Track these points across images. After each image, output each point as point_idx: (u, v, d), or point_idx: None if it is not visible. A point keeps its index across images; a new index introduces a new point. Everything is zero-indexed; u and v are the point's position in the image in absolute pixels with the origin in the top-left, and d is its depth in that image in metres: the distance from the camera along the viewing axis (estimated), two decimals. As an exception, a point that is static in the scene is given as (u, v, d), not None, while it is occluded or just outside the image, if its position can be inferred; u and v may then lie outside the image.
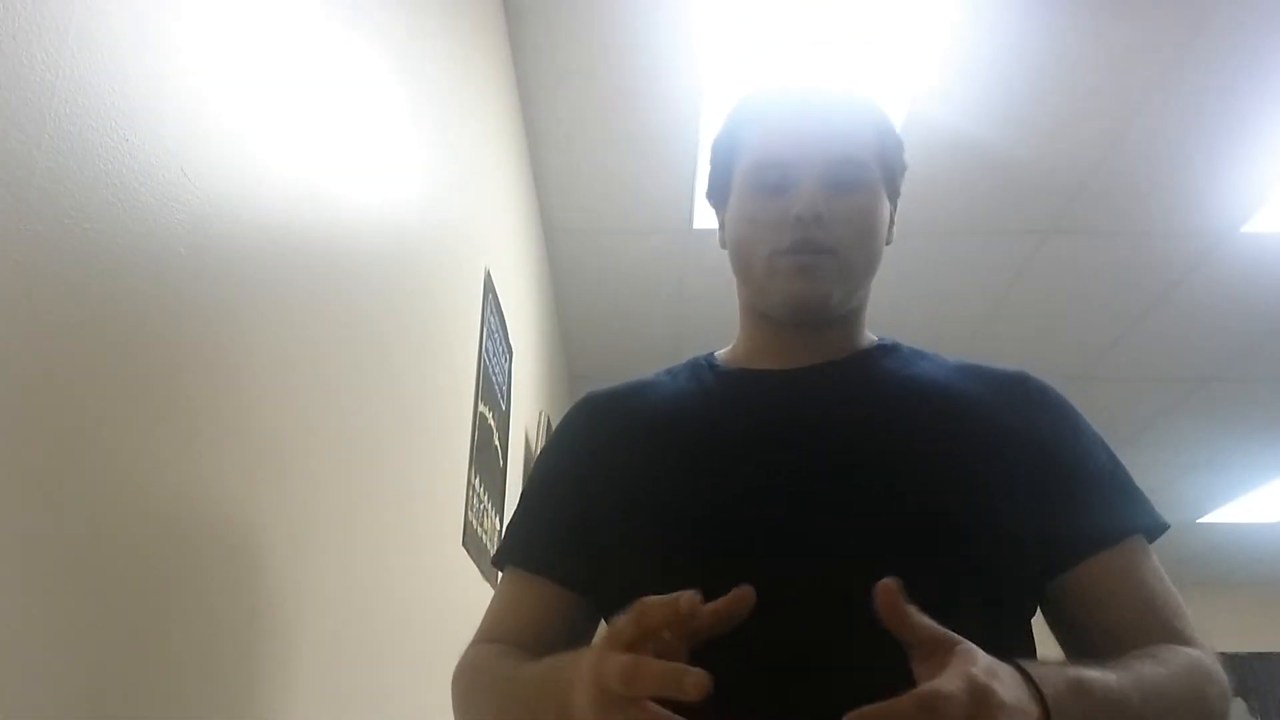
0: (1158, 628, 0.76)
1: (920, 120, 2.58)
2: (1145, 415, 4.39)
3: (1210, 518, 5.61)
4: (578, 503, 0.86)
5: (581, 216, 3.09)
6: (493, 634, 0.87)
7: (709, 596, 0.63)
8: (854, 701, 0.53)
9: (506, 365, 2.30)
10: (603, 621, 0.84)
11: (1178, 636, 0.76)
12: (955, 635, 0.58)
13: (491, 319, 2.06)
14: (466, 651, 0.86)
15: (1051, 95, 2.51)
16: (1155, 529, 0.83)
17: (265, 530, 0.87)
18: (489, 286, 2.04)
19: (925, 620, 0.58)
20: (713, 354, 0.96)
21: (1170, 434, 4.52)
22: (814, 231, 0.82)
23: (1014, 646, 0.70)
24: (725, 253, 0.93)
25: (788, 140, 0.86)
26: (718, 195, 0.95)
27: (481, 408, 1.95)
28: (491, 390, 2.08)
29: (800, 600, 0.71)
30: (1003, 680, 0.56)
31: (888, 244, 0.90)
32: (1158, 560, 0.81)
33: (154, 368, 0.68)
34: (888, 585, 0.57)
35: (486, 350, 2.00)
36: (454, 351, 1.72)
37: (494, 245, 2.18)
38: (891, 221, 0.91)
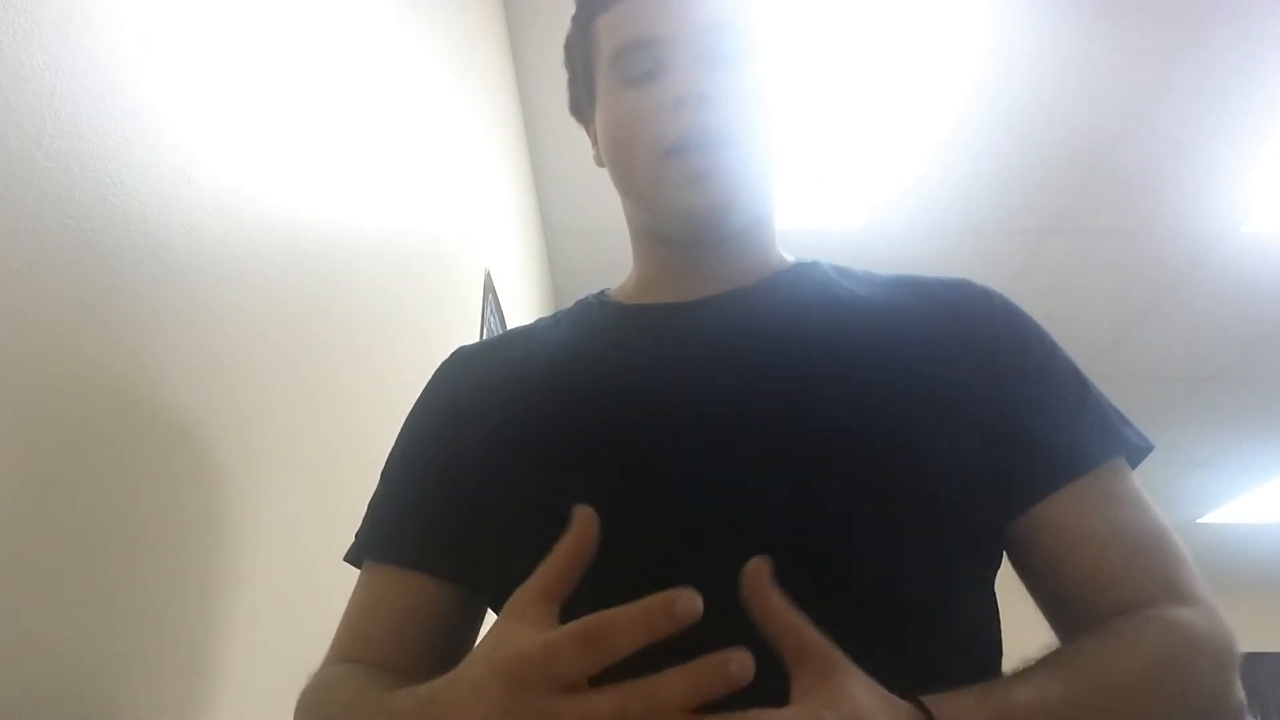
0: (1143, 577, 0.62)
1: (921, 120, 2.58)
2: (1145, 415, 4.39)
3: (1210, 518, 5.61)
4: (442, 473, 0.71)
5: (581, 216, 3.09)
6: (351, 648, 0.69)
7: (599, 560, 0.52)
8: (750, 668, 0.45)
9: (506, 365, 2.31)
10: (490, 614, 0.71)
11: (1169, 586, 0.61)
12: (833, 651, 0.47)
13: (491, 319, 2.06)
14: (314, 675, 0.68)
15: (1051, 96, 2.51)
16: (1136, 451, 0.68)
17: (261, 527, 0.87)
18: (489, 286, 2.04)
19: (795, 620, 0.47)
20: (605, 291, 0.82)
21: (1170, 434, 4.52)
22: (700, 116, 0.68)
23: (969, 610, 0.63)
24: None
25: (651, 13, 0.71)
26: (582, 106, 0.80)
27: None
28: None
29: (699, 566, 0.55)
30: None
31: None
32: (1142, 490, 0.67)
33: (154, 369, 0.68)
34: (755, 567, 0.47)
35: (486, 350, 2.00)
36: (454, 351, 1.72)
37: (494, 245, 2.18)
38: (784, 101, 0.77)
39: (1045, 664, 0.55)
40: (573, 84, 0.80)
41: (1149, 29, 2.28)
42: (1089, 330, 3.65)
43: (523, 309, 2.68)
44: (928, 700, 0.48)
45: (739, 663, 0.40)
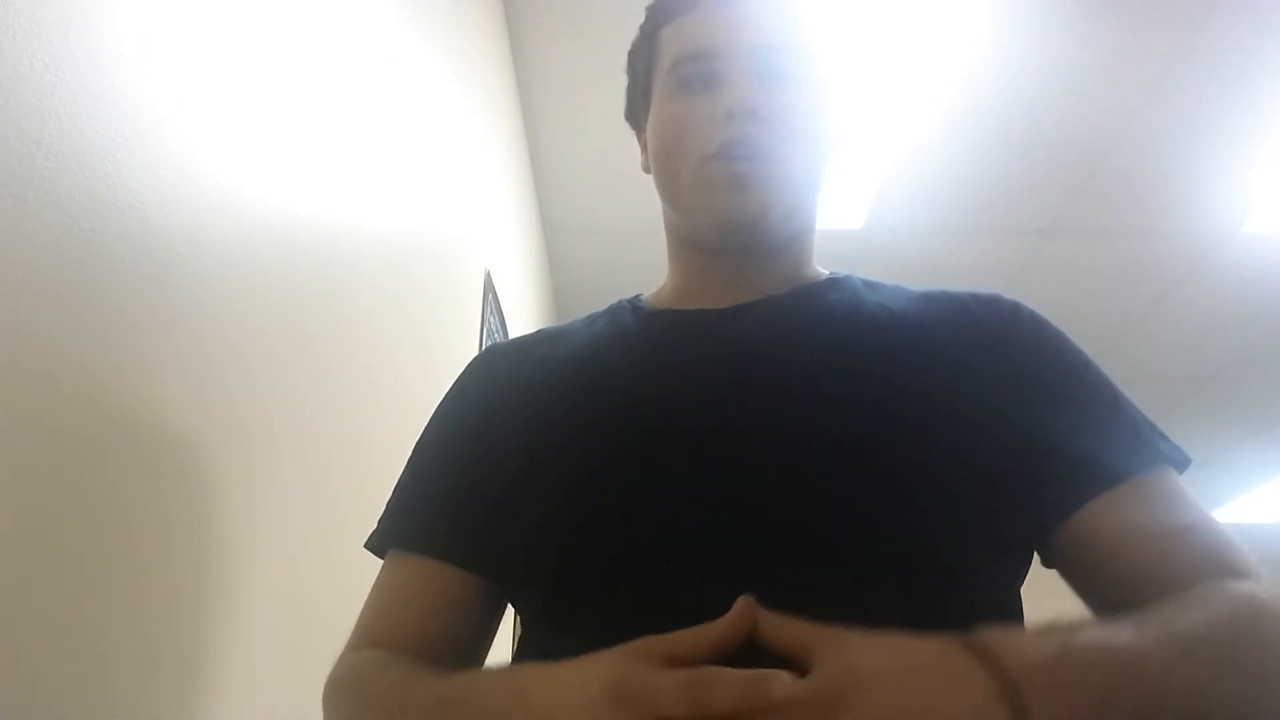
0: (1192, 567, 0.59)
1: (922, 121, 2.58)
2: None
3: (1210, 518, 5.60)
4: (470, 466, 0.72)
5: (581, 216, 3.09)
6: (374, 634, 0.70)
7: (611, 560, 0.57)
8: None
9: (506, 365, 2.30)
10: (509, 608, 0.73)
11: (1223, 568, 0.59)
12: (849, 631, 0.47)
13: (491, 319, 2.06)
14: (339, 661, 0.68)
15: (1051, 96, 2.51)
16: (1178, 463, 0.67)
17: (260, 528, 0.87)
18: (489, 286, 2.04)
19: (798, 622, 0.48)
20: (639, 296, 0.84)
21: (1170, 434, 4.52)
22: (750, 129, 0.70)
23: (991, 618, 0.60)
24: None
25: (713, 27, 0.74)
26: (638, 113, 0.83)
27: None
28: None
29: (723, 574, 0.58)
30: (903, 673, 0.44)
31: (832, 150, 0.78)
32: (1186, 491, 0.65)
33: (153, 369, 0.68)
34: (741, 606, 0.49)
35: (486, 350, 2.00)
36: (454, 351, 1.72)
37: (494, 245, 2.18)
38: (835, 121, 0.79)
39: (1111, 618, 0.53)
40: (631, 90, 0.83)
41: (1148, 30, 2.28)
42: (1089, 330, 3.64)
43: (523, 309, 2.68)
44: (985, 634, 0.47)
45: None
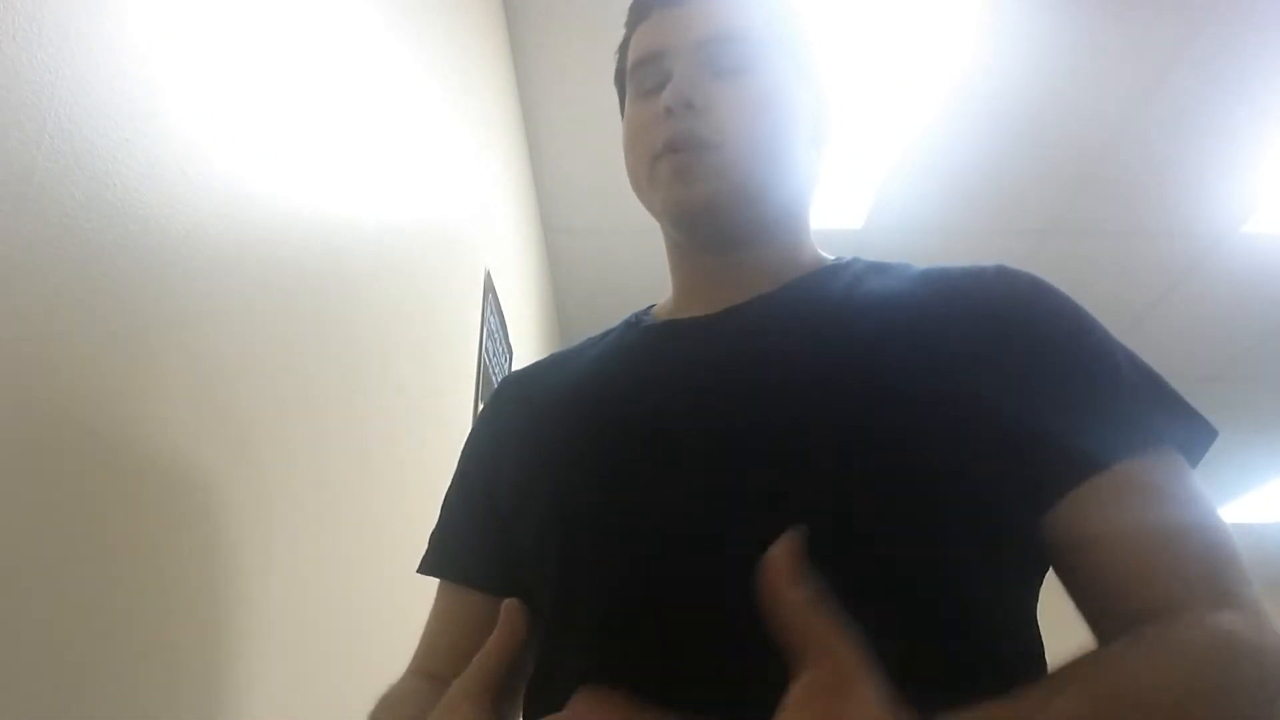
0: (1172, 579, 0.55)
1: (921, 121, 2.58)
2: (1145, 415, 4.38)
3: (1210, 518, 5.59)
4: (485, 497, 0.76)
5: (581, 216, 3.09)
6: (422, 661, 0.76)
7: (600, 579, 0.60)
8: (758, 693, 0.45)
9: (506, 365, 2.31)
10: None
11: (1207, 588, 0.54)
12: (847, 650, 0.44)
13: (491, 319, 2.06)
14: (390, 686, 0.73)
15: (1051, 95, 2.51)
16: (1191, 439, 0.62)
17: (256, 525, 0.87)
18: (489, 286, 2.04)
19: (806, 611, 0.45)
20: (650, 308, 0.83)
21: (1170, 434, 4.51)
22: (688, 122, 0.69)
23: (993, 617, 0.60)
24: None
25: (661, 29, 0.74)
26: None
27: (482, 407, 1.95)
28: (492, 390, 2.08)
29: (696, 595, 0.58)
30: None
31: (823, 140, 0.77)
32: (1184, 482, 0.59)
33: (154, 369, 0.68)
34: (778, 552, 0.46)
35: (486, 350, 2.00)
36: (454, 352, 1.72)
37: (494, 245, 2.17)
38: (818, 110, 0.77)
39: (1057, 678, 0.50)
40: (621, 105, 0.83)
41: (1148, 30, 2.28)
42: (1089, 330, 3.65)
43: (523, 309, 2.68)
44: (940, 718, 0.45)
45: None
